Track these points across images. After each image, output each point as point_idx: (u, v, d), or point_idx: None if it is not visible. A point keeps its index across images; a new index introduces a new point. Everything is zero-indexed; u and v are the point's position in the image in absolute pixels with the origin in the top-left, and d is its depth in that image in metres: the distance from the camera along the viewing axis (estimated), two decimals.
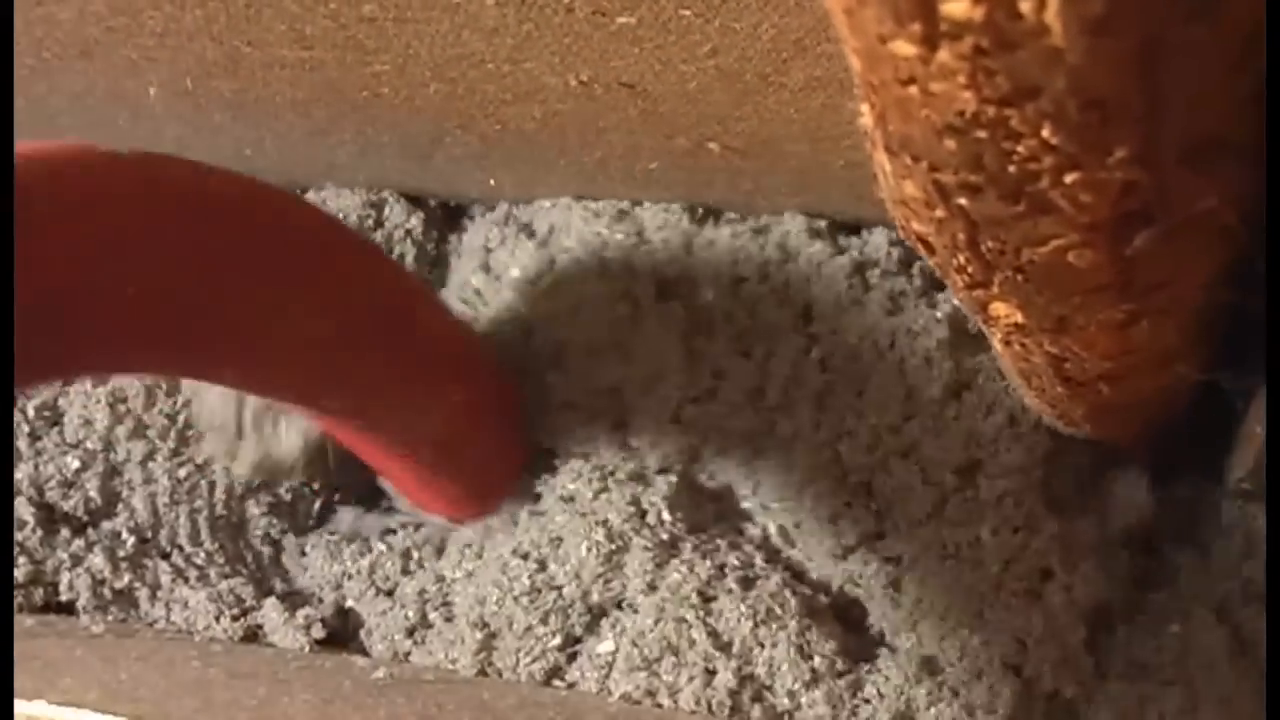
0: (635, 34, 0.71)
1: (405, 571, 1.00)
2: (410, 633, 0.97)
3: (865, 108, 0.44)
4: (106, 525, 1.03)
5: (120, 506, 1.03)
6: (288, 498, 1.04)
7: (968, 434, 0.92)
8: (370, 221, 1.07)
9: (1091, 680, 0.91)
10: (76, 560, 1.02)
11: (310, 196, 1.09)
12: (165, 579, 1.02)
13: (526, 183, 1.03)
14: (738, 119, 0.81)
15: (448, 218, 1.10)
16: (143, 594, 1.02)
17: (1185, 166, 0.40)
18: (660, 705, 0.92)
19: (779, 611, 0.90)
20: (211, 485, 1.04)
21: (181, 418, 1.04)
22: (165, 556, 1.03)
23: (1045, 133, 0.37)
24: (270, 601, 0.99)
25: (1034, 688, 0.92)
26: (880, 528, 0.94)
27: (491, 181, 1.03)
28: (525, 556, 0.95)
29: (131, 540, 1.03)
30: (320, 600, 1.01)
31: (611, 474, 0.96)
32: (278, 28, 0.79)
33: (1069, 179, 0.39)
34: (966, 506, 0.92)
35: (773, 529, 0.96)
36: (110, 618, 1.01)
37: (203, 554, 1.03)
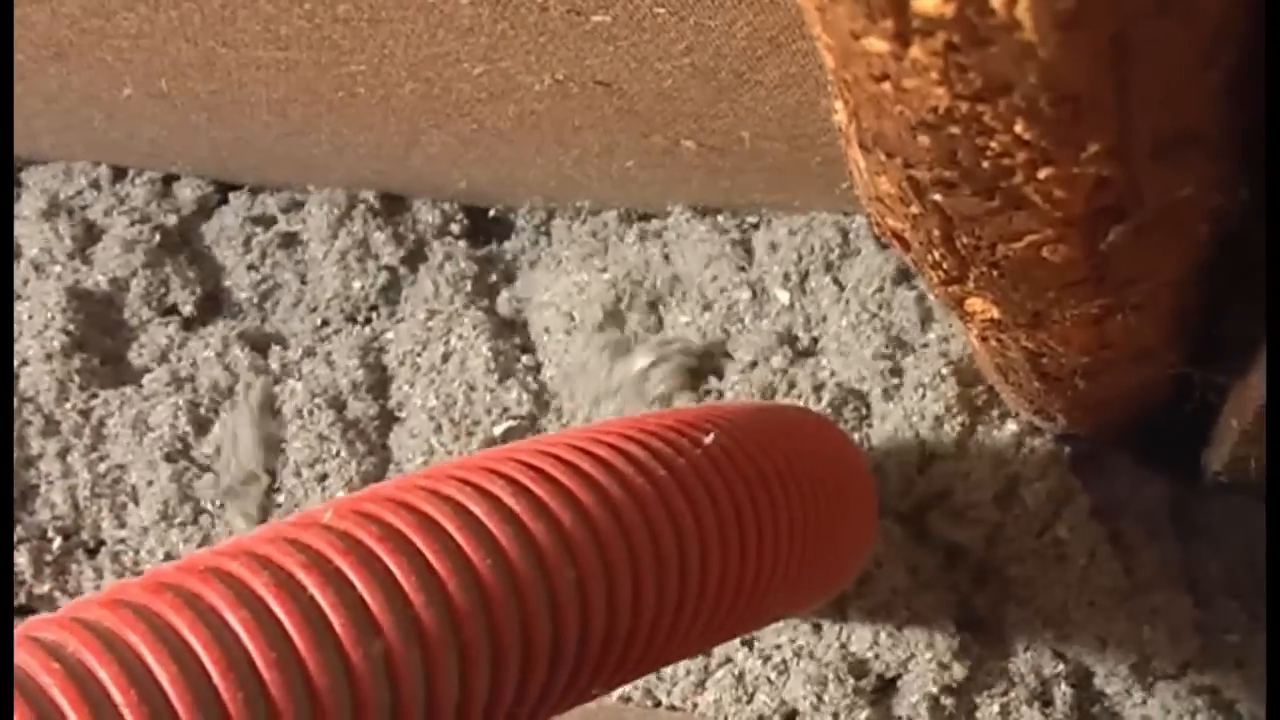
0: (610, 32, 0.71)
1: None
2: None
3: (839, 104, 0.44)
4: (30, 520, 1.02)
5: (39, 502, 1.02)
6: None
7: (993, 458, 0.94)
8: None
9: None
10: None
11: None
12: (88, 586, 1.01)
13: (505, 181, 1.03)
14: (714, 116, 0.81)
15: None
16: (63, 602, 1.00)
17: (1157, 161, 0.40)
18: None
19: None
20: (133, 488, 1.03)
21: (96, 415, 1.03)
22: (91, 553, 1.03)
23: (1018, 128, 0.37)
24: None
25: (1098, 684, 0.94)
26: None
27: (463, 184, 1.03)
28: None
29: (58, 541, 1.02)
30: None
31: None
32: (253, 28, 0.79)
33: (1042, 174, 0.39)
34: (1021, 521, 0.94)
35: None
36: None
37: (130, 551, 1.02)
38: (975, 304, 0.57)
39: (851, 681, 0.91)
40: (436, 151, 0.95)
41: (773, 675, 0.93)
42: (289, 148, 1.00)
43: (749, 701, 0.93)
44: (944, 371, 0.93)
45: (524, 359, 1.03)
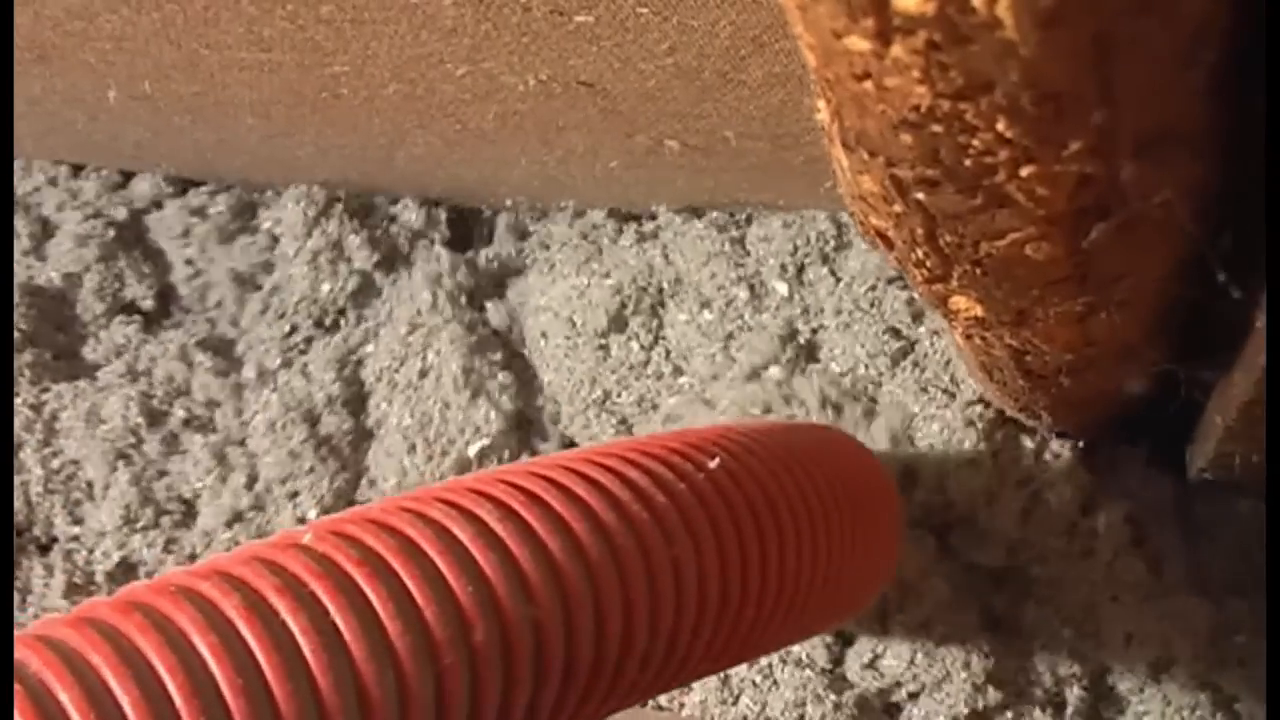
0: (593, 32, 0.71)
1: None
2: None
3: (822, 104, 0.44)
4: None
5: None
6: None
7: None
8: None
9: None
10: None
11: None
12: (38, 583, 1.00)
13: (489, 182, 1.03)
14: (697, 116, 0.81)
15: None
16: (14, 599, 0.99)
17: (1139, 159, 0.40)
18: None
19: None
20: (88, 484, 1.01)
21: (49, 409, 1.02)
22: (43, 550, 1.01)
23: (1000, 126, 0.37)
24: None
25: (1111, 680, 0.94)
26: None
27: (448, 185, 1.03)
28: None
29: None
30: None
31: None
32: (235, 30, 0.79)
33: (1025, 172, 0.39)
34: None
35: None
36: None
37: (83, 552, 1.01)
38: (959, 302, 0.57)
39: (832, 698, 0.91)
40: (420, 152, 0.95)
41: (758, 679, 0.93)
42: (273, 149, 0.99)
43: (734, 704, 0.93)
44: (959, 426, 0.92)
45: (500, 376, 1.01)
